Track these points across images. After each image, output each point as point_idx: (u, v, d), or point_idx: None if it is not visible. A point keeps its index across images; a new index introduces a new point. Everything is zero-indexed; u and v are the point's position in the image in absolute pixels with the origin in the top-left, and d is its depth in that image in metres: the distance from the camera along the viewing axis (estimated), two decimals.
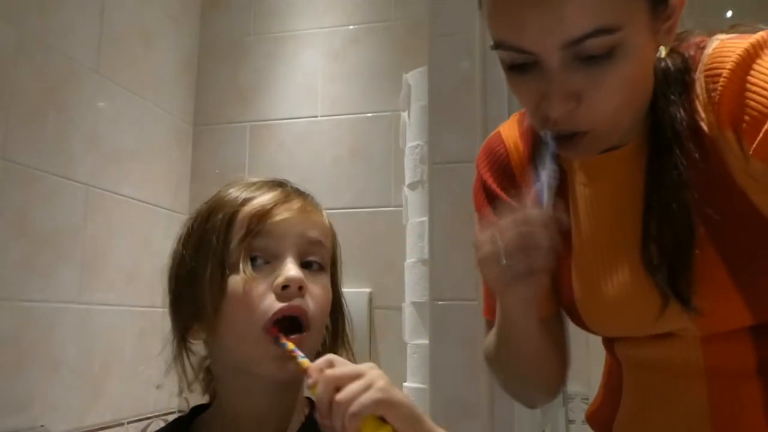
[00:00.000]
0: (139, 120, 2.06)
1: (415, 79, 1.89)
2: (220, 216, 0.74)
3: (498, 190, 0.86)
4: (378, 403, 0.59)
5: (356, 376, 0.60)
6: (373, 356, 2.04)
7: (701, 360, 0.75)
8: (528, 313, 0.78)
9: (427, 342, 1.57)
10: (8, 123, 1.57)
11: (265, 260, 0.72)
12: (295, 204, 0.76)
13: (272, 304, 0.70)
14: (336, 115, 2.24)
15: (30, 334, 1.60)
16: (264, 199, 0.75)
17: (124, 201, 1.97)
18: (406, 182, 1.90)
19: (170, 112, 2.23)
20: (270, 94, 2.32)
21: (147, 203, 2.06)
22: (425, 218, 1.68)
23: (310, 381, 0.63)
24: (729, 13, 2.01)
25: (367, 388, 0.59)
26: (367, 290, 2.09)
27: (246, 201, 0.75)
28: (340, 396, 0.59)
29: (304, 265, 0.74)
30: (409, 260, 1.83)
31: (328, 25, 2.30)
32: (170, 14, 2.24)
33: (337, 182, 2.19)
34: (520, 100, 0.73)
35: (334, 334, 0.80)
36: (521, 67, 0.68)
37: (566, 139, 0.71)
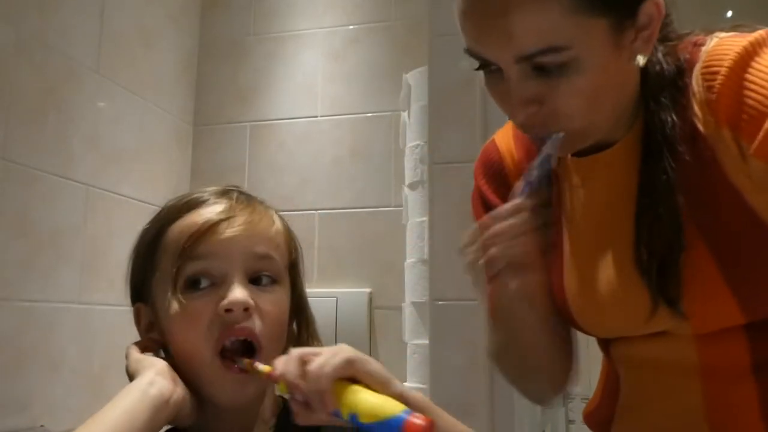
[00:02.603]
0: (139, 120, 2.06)
1: (415, 79, 1.89)
2: (165, 233, 0.72)
3: (493, 197, 0.87)
4: (348, 361, 0.60)
5: (320, 352, 0.61)
6: (373, 356, 2.04)
7: (696, 358, 0.75)
8: (523, 306, 0.79)
9: (427, 342, 1.57)
10: (8, 123, 1.57)
11: (212, 281, 0.69)
12: (239, 219, 0.71)
13: (217, 329, 0.68)
14: (336, 115, 2.24)
15: (30, 334, 1.60)
16: (206, 215, 0.71)
17: (124, 201, 1.97)
18: (406, 182, 1.90)
19: (170, 112, 2.23)
20: (270, 94, 2.32)
21: (147, 203, 2.06)
22: (425, 218, 1.68)
23: (276, 373, 0.62)
24: (729, 13, 2.01)
25: (335, 354, 0.61)
26: (367, 290, 2.09)
27: (189, 219, 0.71)
28: (310, 366, 0.60)
29: (254, 281, 0.71)
30: (409, 260, 1.83)
31: (328, 25, 2.30)
32: (170, 14, 2.24)
33: (337, 182, 2.19)
34: (495, 102, 0.75)
35: (299, 339, 0.78)
36: (492, 71, 0.71)
37: (544, 139, 0.73)
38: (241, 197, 0.75)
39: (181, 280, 0.69)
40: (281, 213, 0.80)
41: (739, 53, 0.68)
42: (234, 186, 0.78)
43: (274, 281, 0.73)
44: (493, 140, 0.92)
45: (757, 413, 0.72)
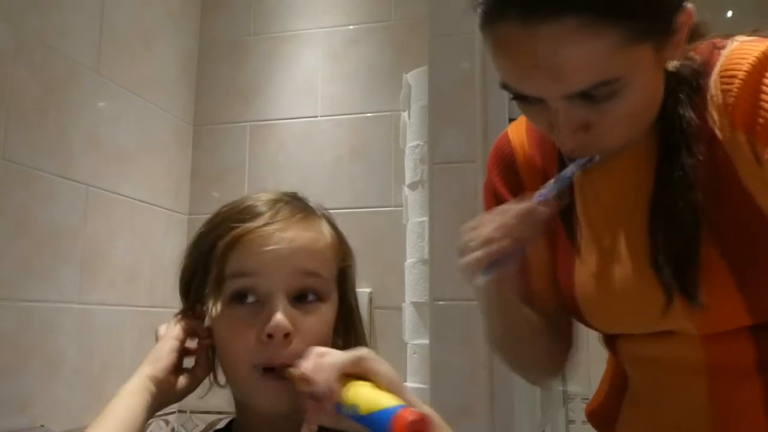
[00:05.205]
0: (139, 120, 2.06)
1: (415, 79, 1.89)
2: (211, 241, 0.71)
3: (503, 190, 0.88)
4: (358, 357, 0.60)
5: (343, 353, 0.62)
6: None
7: (701, 357, 0.75)
8: (501, 297, 0.81)
9: (427, 342, 1.57)
10: (8, 123, 1.57)
11: (257, 298, 0.68)
12: (287, 234, 0.70)
13: (256, 353, 0.67)
14: (336, 115, 2.24)
15: (30, 334, 1.61)
16: (255, 230, 0.69)
17: (124, 201, 1.97)
18: (406, 182, 1.90)
19: (170, 112, 2.23)
20: (270, 94, 2.32)
21: (147, 203, 2.06)
22: (425, 218, 1.68)
23: (296, 372, 0.62)
24: (729, 13, 2.01)
25: (348, 351, 0.62)
26: (367, 290, 2.09)
27: (239, 232, 0.69)
28: (325, 358, 0.61)
29: (299, 297, 0.70)
30: (409, 260, 1.83)
31: (328, 25, 2.30)
32: (170, 14, 2.24)
33: (337, 182, 2.19)
34: (536, 126, 0.76)
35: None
36: (531, 102, 0.70)
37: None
38: (293, 209, 0.73)
39: (228, 293, 0.69)
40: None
41: (757, 58, 0.68)
42: (290, 194, 0.76)
43: (319, 299, 0.71)
44: (506, 133, 0.91)
45: (762, 411, 0.72)
